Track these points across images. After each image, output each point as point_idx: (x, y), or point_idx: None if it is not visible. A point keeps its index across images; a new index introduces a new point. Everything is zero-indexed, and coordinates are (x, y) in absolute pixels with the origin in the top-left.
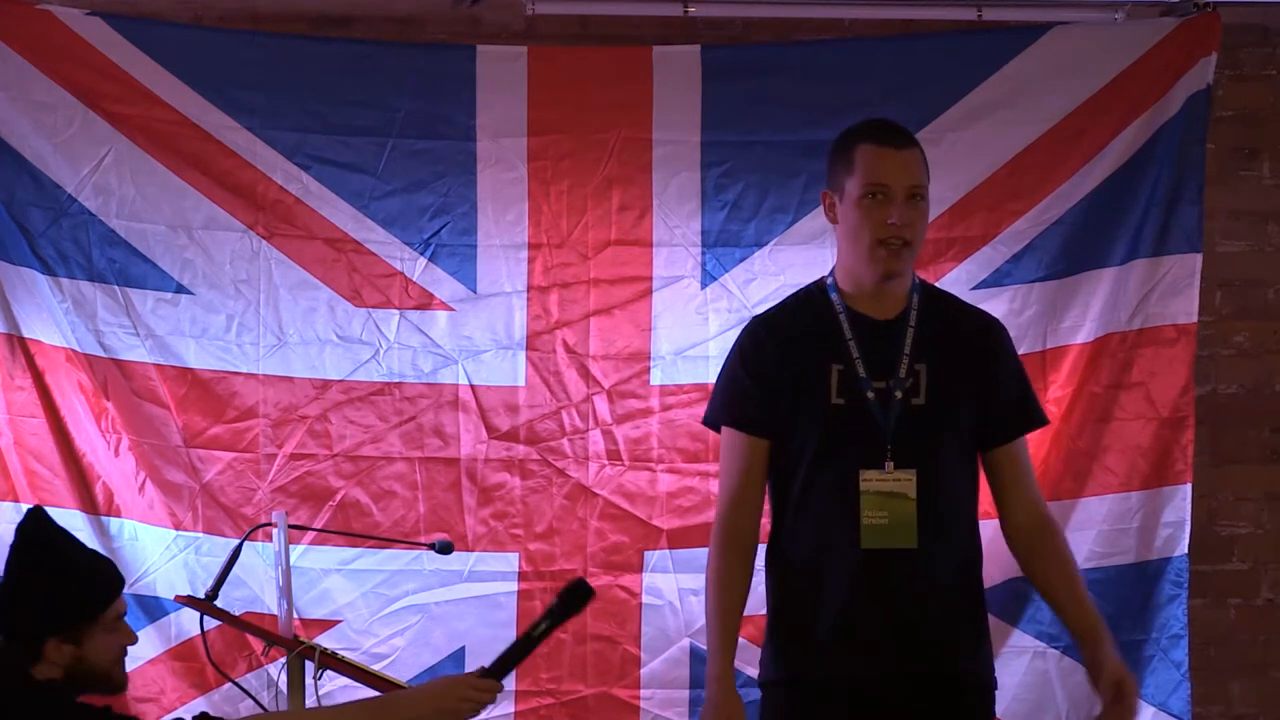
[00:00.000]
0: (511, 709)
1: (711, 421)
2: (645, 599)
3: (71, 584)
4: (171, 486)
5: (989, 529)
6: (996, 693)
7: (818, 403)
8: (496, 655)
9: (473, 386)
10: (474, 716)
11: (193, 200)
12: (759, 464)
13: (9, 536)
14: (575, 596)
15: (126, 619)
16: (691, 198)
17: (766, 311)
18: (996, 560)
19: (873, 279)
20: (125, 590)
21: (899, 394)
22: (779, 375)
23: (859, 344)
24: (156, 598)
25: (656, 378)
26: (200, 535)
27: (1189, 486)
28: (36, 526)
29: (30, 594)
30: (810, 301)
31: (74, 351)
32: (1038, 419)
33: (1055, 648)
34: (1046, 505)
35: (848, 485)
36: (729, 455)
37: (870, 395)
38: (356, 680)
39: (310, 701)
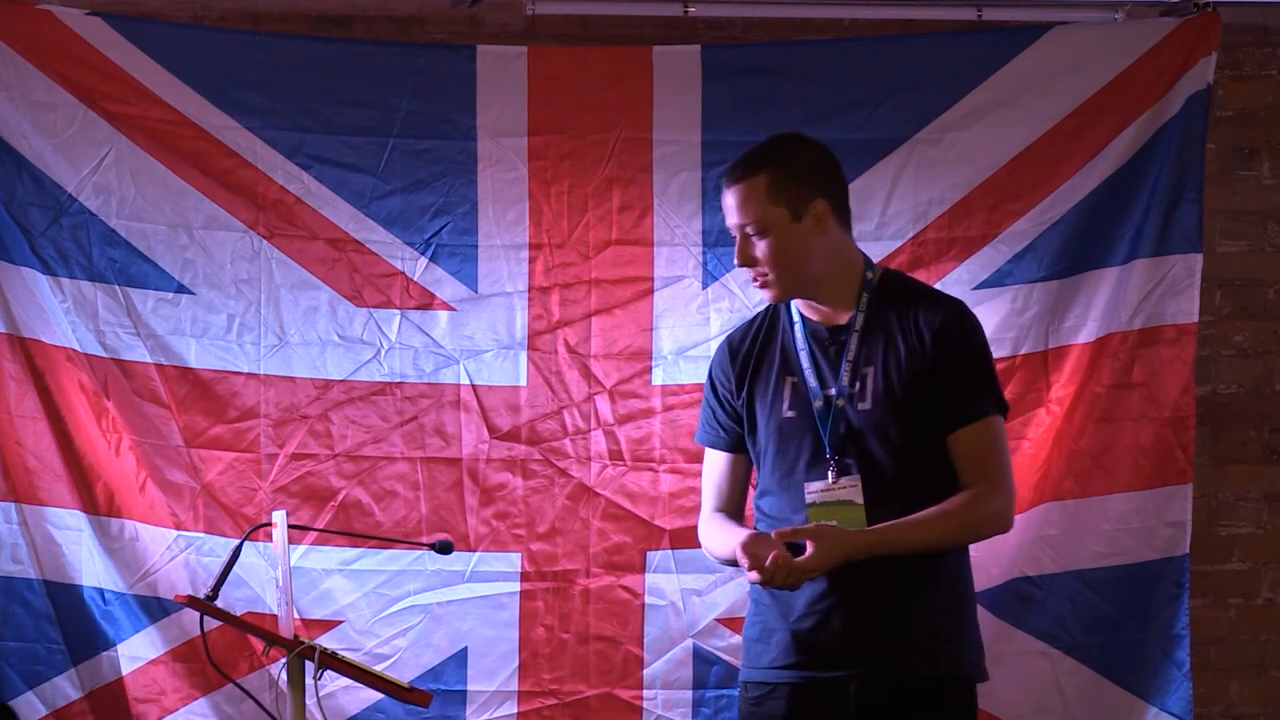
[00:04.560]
0: (514, 710)
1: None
2: (648, 599)
3: None
4: (172, 486)
5: None
6: (994, 692)
7: (773, 417)
8: None
9: (474, 386)
10: None
11: (193, 200)
12: (731, 478)
13: (9, 537)
14: None
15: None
16: (692, 197)
17: (732, 331)
18: (997, 560)
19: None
20: (127, 590)
21: (841, 401)
22: (741, 394)
23: (810, 354)
24: (157, 598)
25: (658, 378)
26: (201, 535)
27: (1190, 486)
28: None
29: None
30: (771, 316)
31: (74, 351)
32: (976, 412)
33: (1057, 648)
34: (984, 494)
35: (799, 496)
36: (705, 470)
37: (817, 405)
38: (357, 680)
39: (310, 702)
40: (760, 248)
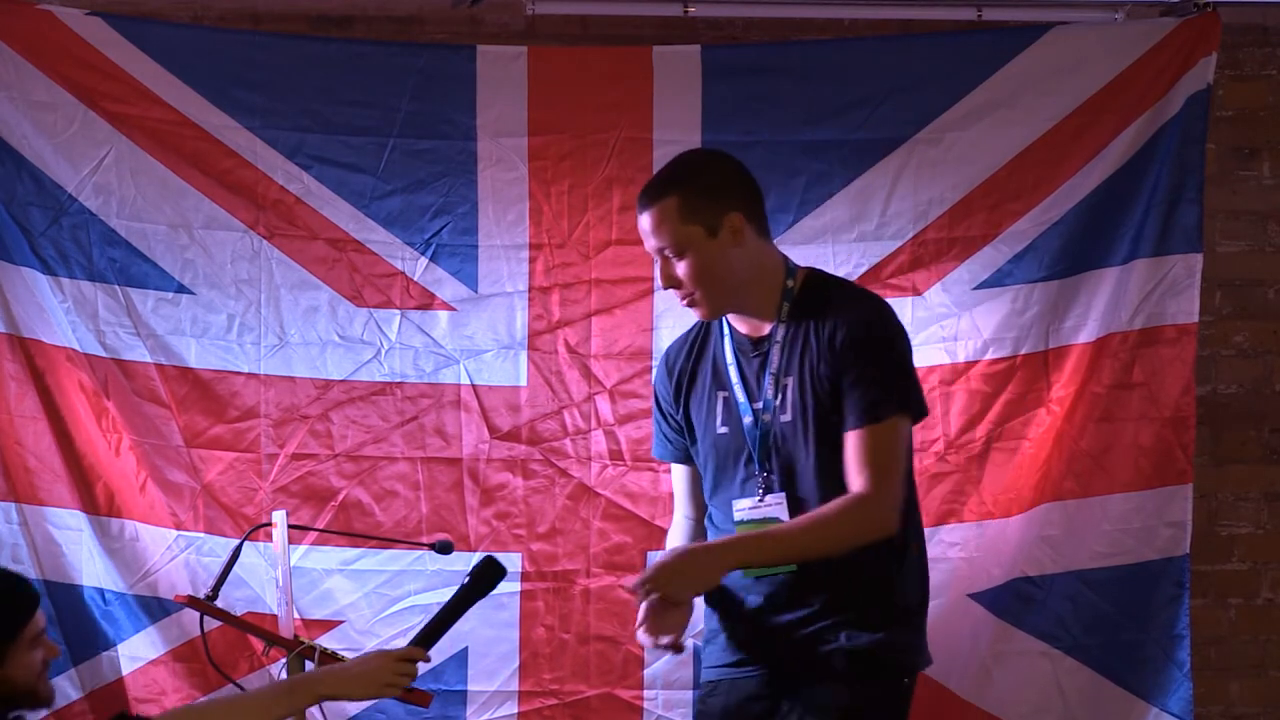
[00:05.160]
0: (515, 710)
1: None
2: None
3: None
4: (172, 486)
5: (991, 529)
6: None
7: (708, 433)
8: (419, 629)
9: (474, 386)
10: (397, 689)
11: (193, 200)
12: (691, 487)
13: (9, 537)
14: (486, 576)
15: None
16: None
17: (670, 344)
18: (998, 560)
19: None
20: (127, 590)
21: (767, 416)
22: (679, 408)
23: (738, 368)
24: (158, 598)
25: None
26: (201, 535)
27: (1190, 486)
28: None
29: None
30: (705, 329)
31: (74, 351)
32: (869, 413)
33: (1057, 648)
34: (857, 497)
35: (731, 513)
36: (672, 479)
37: (747, 421)
38: None
39: None
40: (681, 268)
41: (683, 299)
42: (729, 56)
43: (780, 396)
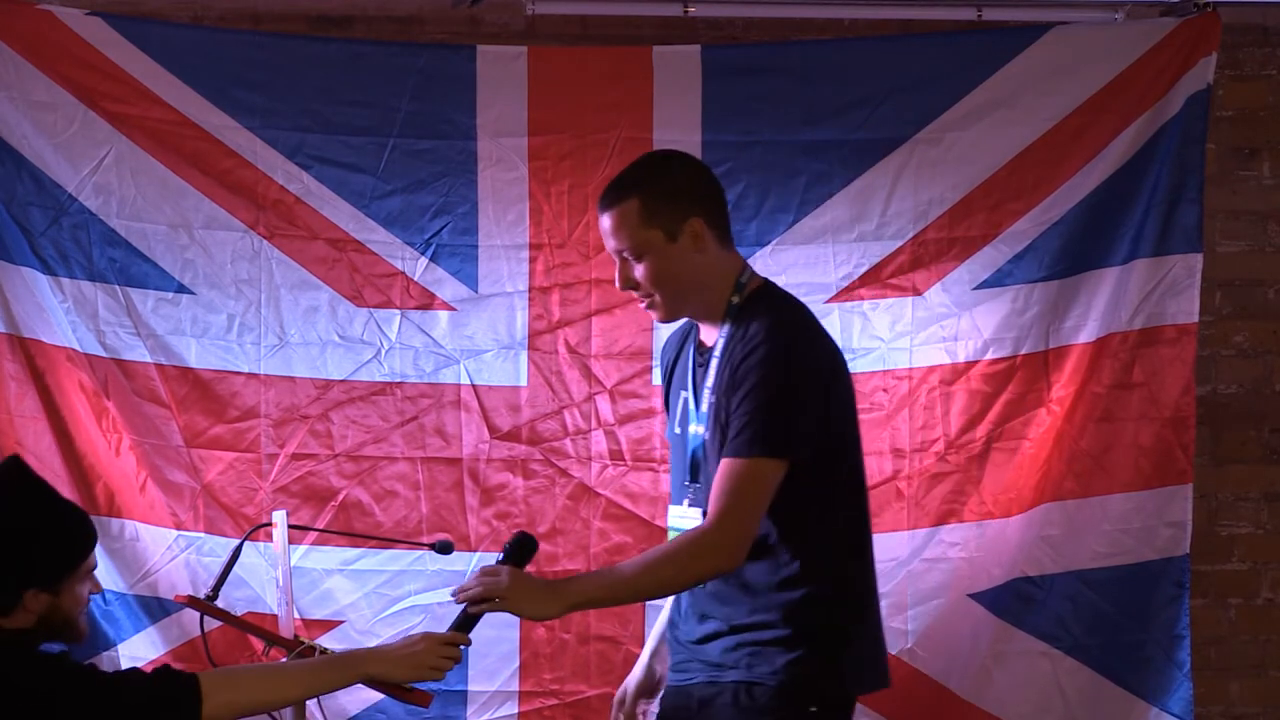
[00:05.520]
0: (515, 709)
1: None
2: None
3: (57, 535)
4: (172, 486)
5: (991, 529)
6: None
7: (670, 431)
8: (456, 616)
9: (474, 386)
10: (440, 674)
11: (193, 200)
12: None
13: None
14: (523, 548)
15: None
16: None
17: (670, 334)
18: (998, 560)
19: None
20: (127, 590)
21: (698, 427)
22: (666, 396)
23: (693, 373)
24: (158, 598)
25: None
26: (202, 535)
27: (1190, 486)
28: (19, 477)
29: (16, 545)
30: (688, 327)
31: (74, 351)
32: (733, 448)
33: (1058, 648)
34: (701, 530)
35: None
36: None
37: (690, 427)
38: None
39: (310, 702)
40: (639, 270)
41: (640, 301)
42: (729, 56)
43: (709, 409)
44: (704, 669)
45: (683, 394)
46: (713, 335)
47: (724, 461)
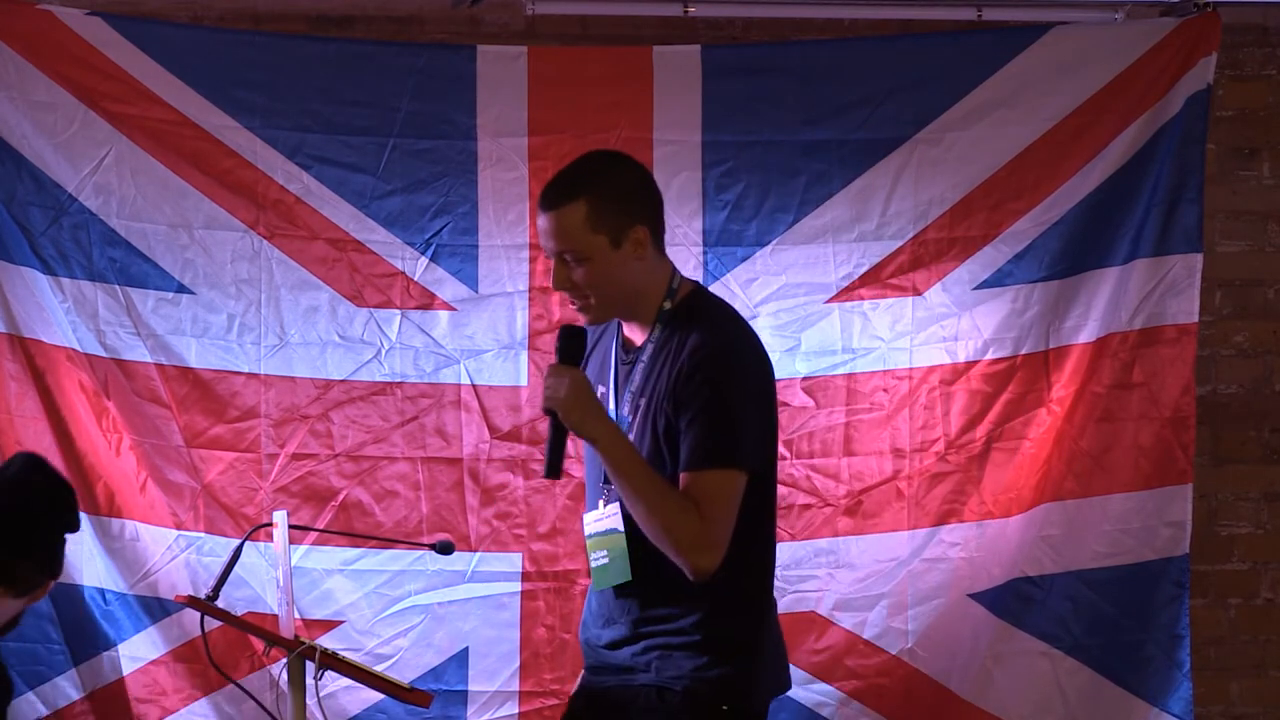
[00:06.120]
0: (515, 709)
1: None
2: None
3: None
4: (173, 486)
5: (991, 528)
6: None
7: None
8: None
9: (474, 386)
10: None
11: (193, 200)
12: None
13: None
14: (570, 339)
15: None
16: (693, 197)
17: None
18: (998, 560)
19: None
20: (128, 590)
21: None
22: None
23: (614, 373)
24: (158, 598)
25: None
26: (202, 535)
27: (1190, 486)
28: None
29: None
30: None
31: (75, 351)
32: (695, 460)
33: (1058, 648)
34: (698, 521)
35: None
36: None
37: None
38: (358, 681)
39: (311, 702)
40: (579, 273)
41: (573, 302)
42: (729, 56)
43: (633, 414)
44: (614, 673)
45: (600, 389)
46: (640, 336)
47: (685, 475)
